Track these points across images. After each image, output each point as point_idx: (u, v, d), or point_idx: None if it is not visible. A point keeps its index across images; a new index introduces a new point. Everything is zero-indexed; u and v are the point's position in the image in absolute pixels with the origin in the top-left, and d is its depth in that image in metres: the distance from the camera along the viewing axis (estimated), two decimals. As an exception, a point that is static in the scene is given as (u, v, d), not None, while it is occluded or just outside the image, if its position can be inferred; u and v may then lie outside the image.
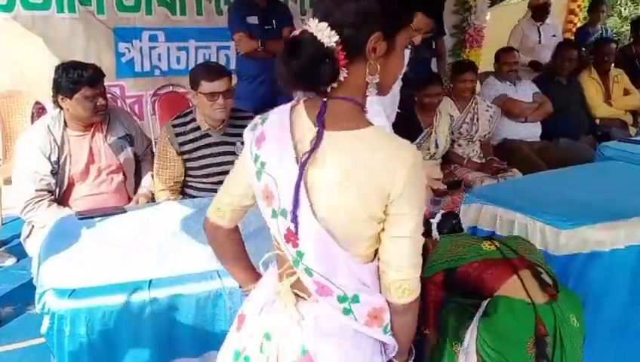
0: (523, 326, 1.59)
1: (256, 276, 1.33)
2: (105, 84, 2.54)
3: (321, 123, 1.03)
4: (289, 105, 1.11)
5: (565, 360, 1.60)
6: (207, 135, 2.53)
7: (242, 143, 2.50)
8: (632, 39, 5.45)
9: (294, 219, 1.04)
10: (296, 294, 1.13)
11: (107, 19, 3.89)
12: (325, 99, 1.04)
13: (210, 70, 2.44)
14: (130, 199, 2.63)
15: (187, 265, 1.71)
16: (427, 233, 1.98)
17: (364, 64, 1.02)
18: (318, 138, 1.01)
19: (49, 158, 2.39)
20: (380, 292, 1.11)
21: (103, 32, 3.90)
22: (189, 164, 2.55)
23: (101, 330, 1.56)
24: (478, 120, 3.58)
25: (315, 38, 0.99)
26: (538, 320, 1.59)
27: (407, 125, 3.32)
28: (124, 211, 2.20)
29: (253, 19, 3.49)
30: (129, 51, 4.01)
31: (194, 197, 2.54)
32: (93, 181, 2.53)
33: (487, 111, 3.63)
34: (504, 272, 1.70)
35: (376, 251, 1.10)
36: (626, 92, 4.52)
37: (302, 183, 1.02)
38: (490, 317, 1.62)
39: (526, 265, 1.73)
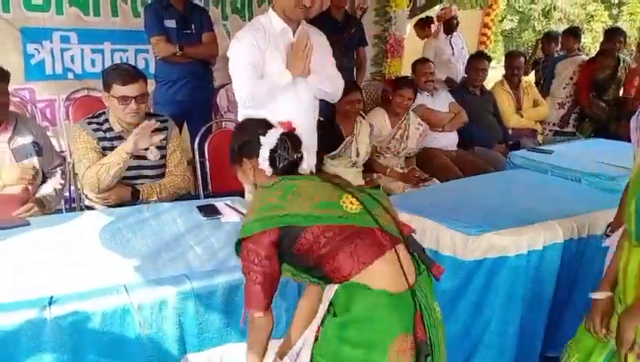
0: (392, 323, 1.33)
1: None
2: (12, 87, 2.40)
3: None
4: None
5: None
6: (120, 137, 2.46)
7: (157, 148, 2.50)
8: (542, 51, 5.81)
9: None
10: None
11: (13, 18, 3.63)
12: None
13: (123, 73, 2.37)
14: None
15: (92, 280, 1.63)
16: (246, 152, 1.57)
17: None
18: None
19: None
20: None
21: (8, 32, 3.65)
22: (101, 165, 2.44)
23: (-3, 354, 1.46)
24: (407, 138, 3.64)
25: None
26: (417, 318, 1.36)
27: (329, 133, 3.36)
28: (28, 224, 2.07)
29: (171, 23, 3.41)
30: (38, 53, 3.77)
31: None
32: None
33: (418, 129, 3.69)
34: (372, 252, 1.36)
35: None
36: (535, 103, 4.80)
37: None
38: (347, 314, 1.35)
39: (398, 240, 1.41)
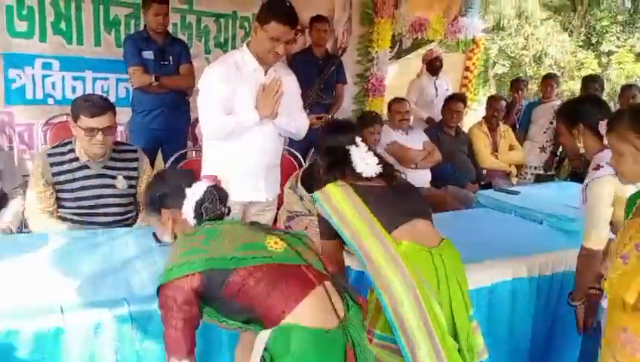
0: (327, 360, 1.37)
1: None
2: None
3: None
4: None
5: None
6: (85, 166, 2.48)
7: (125, 178, 2.53)
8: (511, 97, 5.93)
9: None
10: None
11: (-2, 43, 3.75)
12: None
13: (91, 105, 2.38)
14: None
15: (28, 300, 1.63)
16: (167, 203, 1.54)
17: None
18: None
19: None
20: None
21: (-9, 57, 3.75)
22: (61, 195, 2.47)
23: None
24: None
25: None
26: (349, 352, 1.39)
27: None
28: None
29: (149, 54, 3.49)
30: (20, 78, 3.86)
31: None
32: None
33: None
34: (302, 288, 1.39)
35: None
36: (511, 147, 4.88)
37: None
38: (287, 356, 1.34)
39: (325, 276, 1.46)
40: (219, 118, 2.40)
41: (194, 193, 1.50)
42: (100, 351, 1.63)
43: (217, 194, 1.53)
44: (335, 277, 1.49)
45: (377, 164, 1.76)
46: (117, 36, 4.06)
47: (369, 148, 1.79)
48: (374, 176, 1.75)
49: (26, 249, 2.07)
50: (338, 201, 1.67)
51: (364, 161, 1.74)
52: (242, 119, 2.41)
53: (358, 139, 1.81)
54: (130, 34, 3.86)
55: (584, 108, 2.11)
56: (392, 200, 1.75)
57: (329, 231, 1.76)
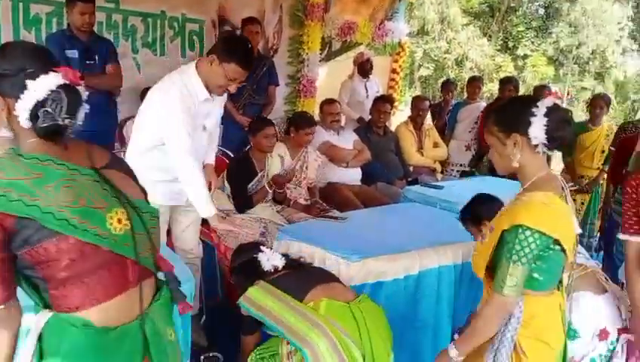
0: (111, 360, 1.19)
1: None
2: None
3: None
4: None
5: None
6: None
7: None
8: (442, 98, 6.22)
9: None
10: None
11: None
12: None
13: None
14: None
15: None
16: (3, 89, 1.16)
17: None
18: None
19: None
20: None
21: None
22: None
23: None
24: (307, 168, 3.77)
25: None
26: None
27: (242, 168, 3.42)
28: None
29: (73, 53, 3.38)
30: None
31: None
32: None
33: (316, 160, 3.84)
34: (113, 289, 1.19)
35: None
36: (435, 145, 5.12)
37: None
38: (56, 358, 1.15)
39: (148, 273, 1.28)
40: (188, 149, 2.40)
41: (36, 89, 1.12)
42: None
43: (66, 99, 1.14)
44: (169, 279, 1.36)
45: (280, 259, 2.16)
46: (38, 35, 3.87)
47: (272, 250, 2.24)
48: (280, 268, 2.14)
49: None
50: (259, 299, 1.97)
51: (269, 261, 2.14)
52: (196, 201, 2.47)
53: (262, 247, 2.23)
54: (52, 33, 3.72)
55: (483, 207, 2.24)
56: (298, 277, 2.10)
57: (250, 328, 2.12)
